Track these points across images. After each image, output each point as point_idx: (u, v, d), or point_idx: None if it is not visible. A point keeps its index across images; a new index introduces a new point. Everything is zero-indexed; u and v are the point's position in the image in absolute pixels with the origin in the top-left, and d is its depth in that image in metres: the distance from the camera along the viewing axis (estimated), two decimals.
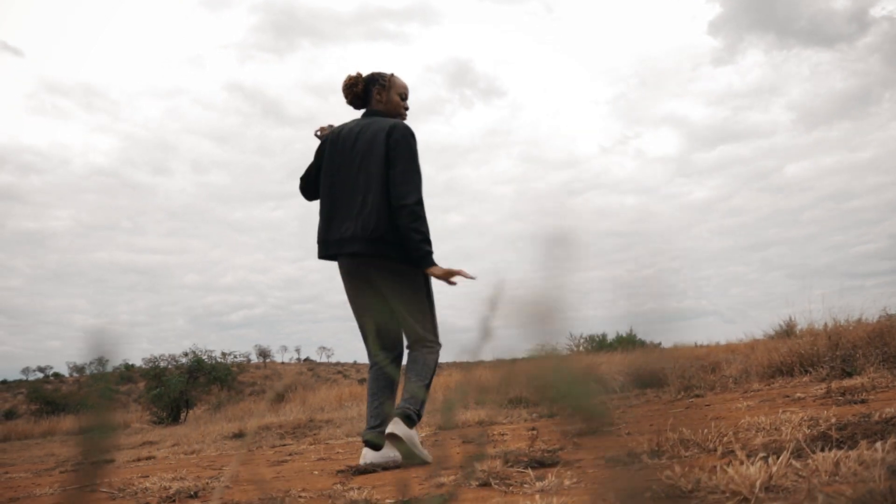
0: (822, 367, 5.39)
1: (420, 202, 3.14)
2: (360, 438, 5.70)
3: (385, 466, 2.92)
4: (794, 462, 1.47)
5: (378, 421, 3.07)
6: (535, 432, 3.81)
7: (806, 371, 5.60)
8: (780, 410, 2.96)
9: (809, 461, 1.47)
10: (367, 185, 3.16)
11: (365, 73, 3.45)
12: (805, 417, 2.47)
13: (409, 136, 3.23)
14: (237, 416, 13.10)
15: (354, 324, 3.34)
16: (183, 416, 16.05)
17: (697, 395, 5.52)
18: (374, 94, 3.40)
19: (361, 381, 22.44)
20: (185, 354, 18.34)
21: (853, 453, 1.44)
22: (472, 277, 3.13)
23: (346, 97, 3.45)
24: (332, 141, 3.32)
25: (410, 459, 2.94)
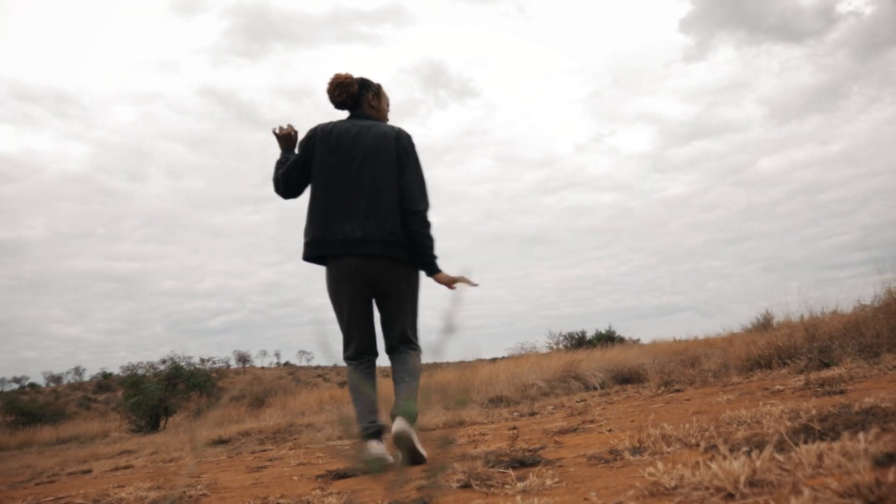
0: (800, 358, 5.43)
1: (428, 209, 3.21)
2: (340, 442, 5.65)
3: (386, 459, 2.91)
4: (777, 455, 1.45)
5: (374, 416, 3.05)
6: (515, 431, 3.79)
7: (784, 363, 5.64)
8: (761, 403, 2.96)
9: (793, 454, 1.45)
10: (375, 188, 3.15)
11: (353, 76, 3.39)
12: (785, 410, 2.46)
13: (414, 145, 3.29)
14: (218, 423, 12.97)
15: (335, 328, 3.28)
16: (162, 423, 15.87)
17: (677, 390, 5.53)
18: (367, 98, 3.35)
19: (342, 385, 22.30)
20: (164, 361, 18.15)
21: (836, 445, 1.43)
22: (475, 285, 3.20)
23: (338, 95, 3.33)
24: (322, 138, 3.21)
25: (413, 457, 2.88)
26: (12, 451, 15.87)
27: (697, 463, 1.48)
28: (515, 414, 6.14)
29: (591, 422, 3.86)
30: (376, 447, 2.97)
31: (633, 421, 3.58)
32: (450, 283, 3.22)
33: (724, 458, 1.45)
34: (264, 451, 5.84)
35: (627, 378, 10.19)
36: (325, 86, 3.36)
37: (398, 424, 2.87)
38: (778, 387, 4.04)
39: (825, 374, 4.23)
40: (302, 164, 3.24)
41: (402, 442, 2.87)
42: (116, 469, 5.65)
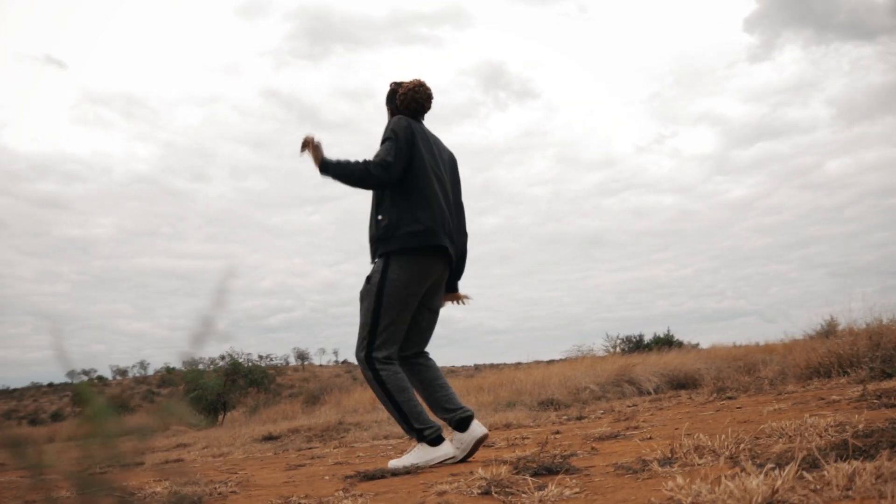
0: (861, 368, 5.19)
1: None
2: (385, 441, 5.64)
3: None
4: (805, 474, 1.35)
5: (430, 419, 3.09)
6: (555, 436, 3.71)
7: (845, 372, 5.39)
8: (808, 415, 2.81)
9: (824, 473, 1.35)
10: (457, 200, 3.31)
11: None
12: (832, 422, 2.32)
13: None
14: (271, 419, 13.15)
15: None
16: (220, 418, 16.20)
17: (730, 398, 5.34)
18: (427, 109, 3.33)
19: None
20: (223, 357, 18.51)
21: (871, 465, 1.32)
22: (466, 302, 3.48)
23: (425, 103, 3.25)
24: (418, 133, 3.12)
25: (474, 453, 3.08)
26: (79, 441, 16.40)
27: (718, 479, 1.39)
28: (563, 417, 6.04)
29: (635, 428, 3.75)
30: (452, 448, 3.04)
31: (676, 429, 3.46)
32: (458, 299, 3.43)
33: (748, 474, 1.36)
34: (310, 448, 5.88)
35: (682, 383, 9.96)
36: (395, 87, 3.32)
37: (481, 427, 3.05)
38: (834, 397, 3.85)
39: (886, 385, 4.02)
40: (406, 151, 3.07)
41: (480, 442, 3.04)
42: (167, 462, 5.76)
